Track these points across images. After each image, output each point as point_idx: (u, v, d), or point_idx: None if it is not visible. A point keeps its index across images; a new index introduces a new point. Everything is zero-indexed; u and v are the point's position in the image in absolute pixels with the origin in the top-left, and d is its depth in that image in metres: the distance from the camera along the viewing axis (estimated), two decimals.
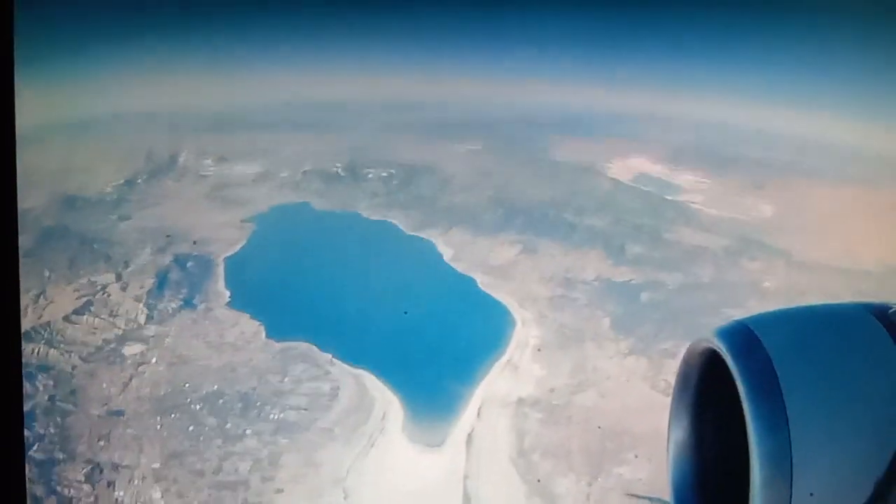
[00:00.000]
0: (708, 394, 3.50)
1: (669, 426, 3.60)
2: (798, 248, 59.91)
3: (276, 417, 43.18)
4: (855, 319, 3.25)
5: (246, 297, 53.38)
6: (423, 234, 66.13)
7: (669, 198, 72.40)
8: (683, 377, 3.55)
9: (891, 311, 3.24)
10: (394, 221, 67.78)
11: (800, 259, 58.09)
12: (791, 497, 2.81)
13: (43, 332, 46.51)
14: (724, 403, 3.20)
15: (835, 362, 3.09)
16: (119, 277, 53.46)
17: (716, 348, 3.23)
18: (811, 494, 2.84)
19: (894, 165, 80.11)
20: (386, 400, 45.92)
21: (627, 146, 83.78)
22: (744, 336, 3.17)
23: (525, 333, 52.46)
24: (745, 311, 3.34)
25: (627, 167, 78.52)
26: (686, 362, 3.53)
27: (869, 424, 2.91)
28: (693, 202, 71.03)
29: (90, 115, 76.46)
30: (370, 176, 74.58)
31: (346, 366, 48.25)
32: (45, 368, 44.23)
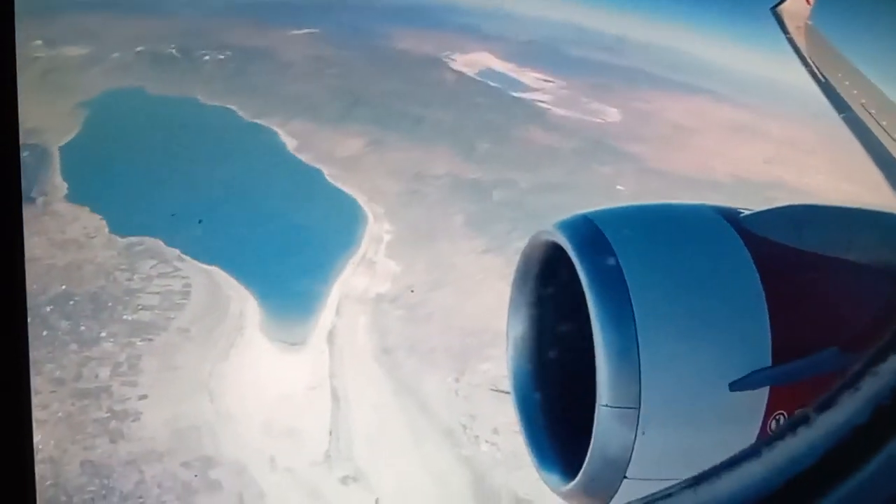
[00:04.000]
0: (548, 288, 3.41)
1: (508, 320, 3.49)
2: (649, 156, 62.02)
3: (129, 318, 40.92)
4: (704, 219, 3.27)
5: (84, 190, 49.39)
6: (263, 122, 63.26)
7: (516, 95, 72.75)
8: (523, 271, 3.43)
9: (742, 214, 3.27)
10: (233, 108, 64.17)
11: (652, 166, 59.80)
12: (640, 391, 2.79)
13: None
14: (566, 298, 3.13)
15: (683, 259, 3.08)
16: None
17: (558, 241, 3.12)
18: (661, 388, 2.85)
19: (746, 81, 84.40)
20: (241, 297, 44.37)
21: (472, 40, 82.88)
22: (587, 230, 3.08)
23: (378, 228, 51.96)
24: None
25: (472, 61, 77.82)
26: (526, 255, 3.40)
27: (718, 320, 2.95)
28: (541, 101, 71.54)
29: None
30: (206, 59, 69.97)
31: (195, 262, 46.10)
32: None
